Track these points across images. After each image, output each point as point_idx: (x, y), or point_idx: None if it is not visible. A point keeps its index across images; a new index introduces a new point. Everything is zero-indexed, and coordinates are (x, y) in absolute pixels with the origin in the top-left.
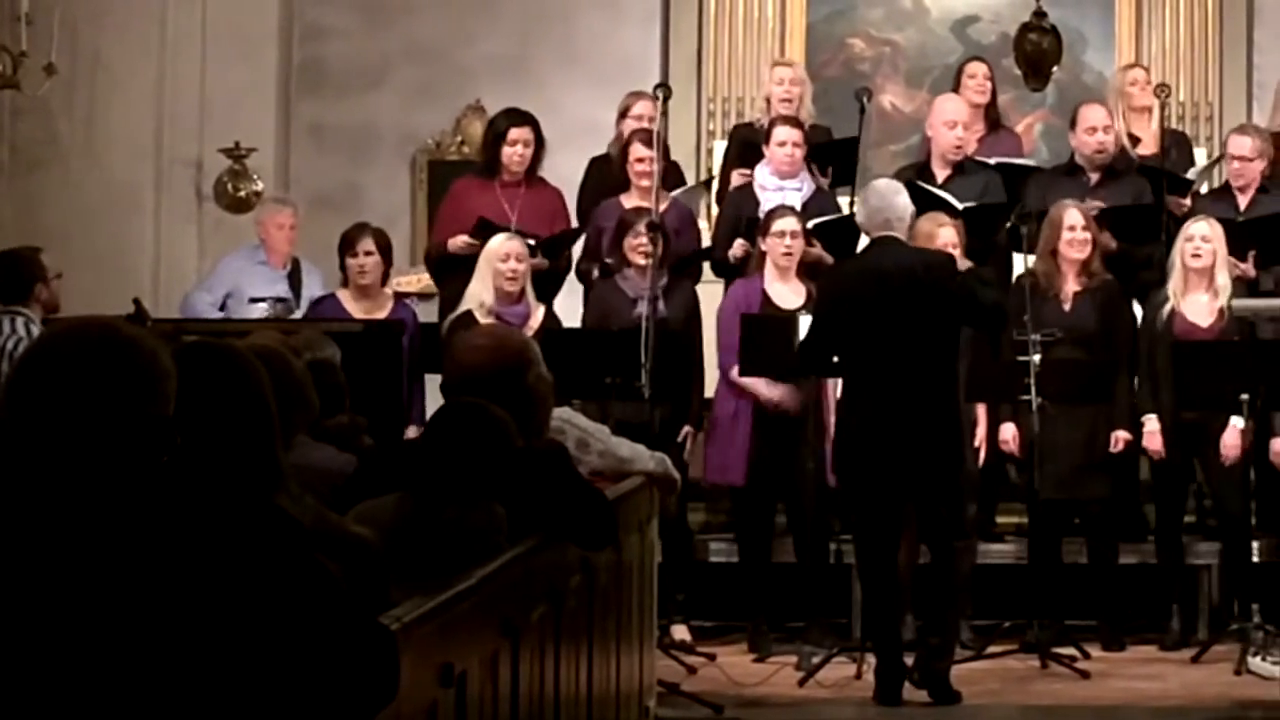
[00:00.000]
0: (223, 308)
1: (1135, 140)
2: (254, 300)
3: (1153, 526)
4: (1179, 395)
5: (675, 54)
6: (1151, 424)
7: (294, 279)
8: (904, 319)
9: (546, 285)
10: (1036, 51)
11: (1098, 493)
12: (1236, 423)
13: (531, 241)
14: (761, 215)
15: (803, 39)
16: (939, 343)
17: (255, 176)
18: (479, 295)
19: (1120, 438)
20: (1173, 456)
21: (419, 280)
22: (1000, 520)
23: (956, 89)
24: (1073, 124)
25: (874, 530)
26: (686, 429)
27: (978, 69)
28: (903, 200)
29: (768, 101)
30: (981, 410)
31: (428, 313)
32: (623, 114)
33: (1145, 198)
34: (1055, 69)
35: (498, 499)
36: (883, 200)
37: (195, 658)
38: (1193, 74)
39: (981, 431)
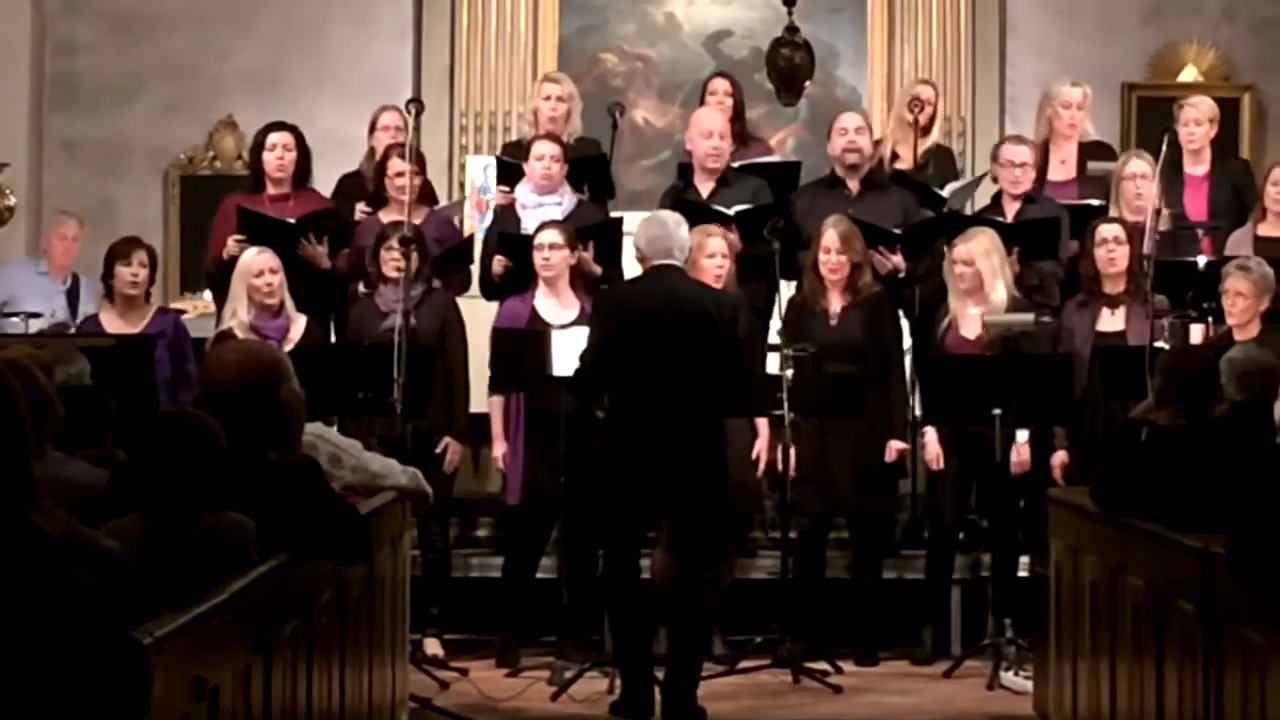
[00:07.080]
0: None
1: (895, 156)
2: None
3: (900, 540)
4: (930, 410)
5: (428, 68)
6: (929, 434)
7: (73, 294)
8: (686, 347)
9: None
10: (789, 66)
11: (871, 508)
12: (1022, 437)
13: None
14: (523, 232)
15: (555, 53)
16: (713, 370)
17: (7, 191)
18: (236, 312)
19: (894, 448)
20: (952, 469)
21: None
22: (754, 534)
23: (703, 105)
24: (829, 134)
25: (620, 545)
26: (446, 440)
27: (719, 85)
28: (684, 233)
29: (535, 116)
30: (763, 424)
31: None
32: (371, 127)
33: (911, 209)
34: (808, 83)
35: (248, 512)
36: (665, 229)
37: None
38: (945, 88)
39: (761, 443)
